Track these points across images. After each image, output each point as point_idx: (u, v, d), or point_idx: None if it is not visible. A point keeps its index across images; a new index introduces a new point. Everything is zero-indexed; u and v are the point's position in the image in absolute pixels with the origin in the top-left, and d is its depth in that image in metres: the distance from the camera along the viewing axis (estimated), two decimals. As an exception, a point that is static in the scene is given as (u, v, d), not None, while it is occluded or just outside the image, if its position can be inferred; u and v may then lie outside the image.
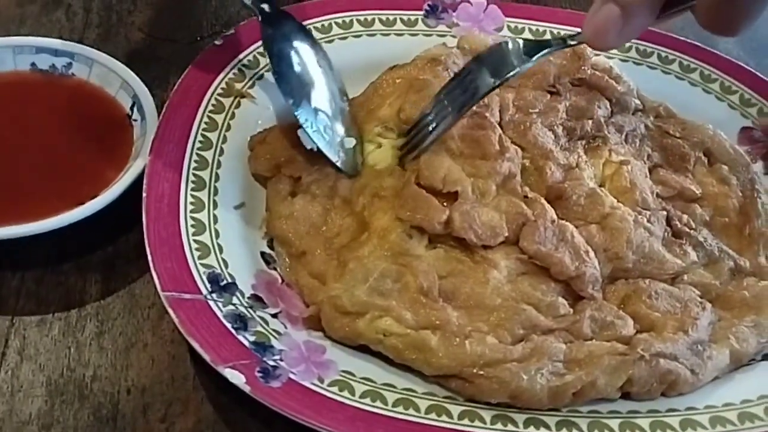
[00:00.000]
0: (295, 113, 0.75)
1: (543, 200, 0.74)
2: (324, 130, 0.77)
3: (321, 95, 0.80)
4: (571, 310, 0.70)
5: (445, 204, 0.71)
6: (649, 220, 0.76)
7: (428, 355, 0.66)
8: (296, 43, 0.83)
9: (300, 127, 0.75)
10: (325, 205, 0.75)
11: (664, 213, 0.77)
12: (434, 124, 0.74)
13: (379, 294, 0.68)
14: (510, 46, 0.73)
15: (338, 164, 0.76)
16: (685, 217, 0.78)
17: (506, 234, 0.71)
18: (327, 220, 0.74)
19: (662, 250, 0.75)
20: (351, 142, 0.78)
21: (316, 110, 0.78)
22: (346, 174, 0.76)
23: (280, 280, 0.72)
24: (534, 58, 0.72)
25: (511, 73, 0.72)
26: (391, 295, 0.68)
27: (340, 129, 0.79)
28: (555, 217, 0.73)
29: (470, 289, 0.69)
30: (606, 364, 0.66)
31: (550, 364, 0.66)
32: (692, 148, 0.84)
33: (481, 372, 0.65)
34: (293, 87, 0.78)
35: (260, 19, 0.81)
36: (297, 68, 0.80)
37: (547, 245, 0.71)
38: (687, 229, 0.77)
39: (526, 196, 0.74)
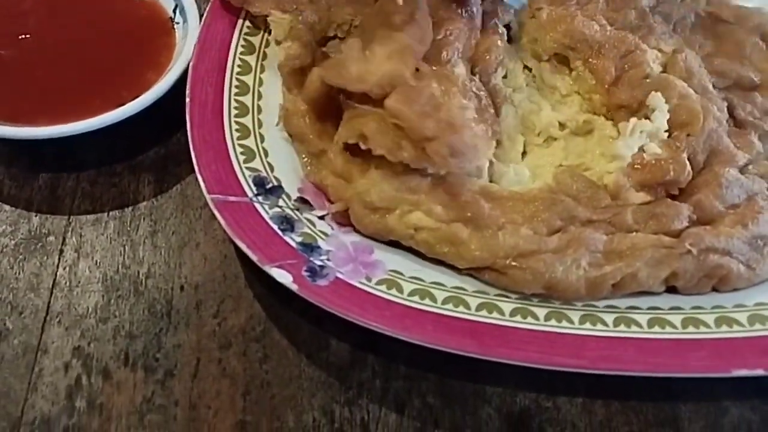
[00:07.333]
0: None
1: None
2: None
3: None
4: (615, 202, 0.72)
5: None
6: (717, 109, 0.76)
7: (460, 248, 0.69)
8: None
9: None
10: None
11: (725, 103, 0.78)
12: None
13: (408, 189, 0.70)
14: None
15: None
16: (748, 106, 0.78)
17: None
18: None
19: (729, 142, 0.75)
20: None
21: None
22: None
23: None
24: None
25: None
26: (421, 189, 0.70)
27: None
28: None
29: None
30: (649, 257, 0.68)
31: (588, 255, 0.68)
32: (748, 34, 0.83)
33: (515, 263, 0.68)
34: None
35: None
36: None
37: None
38: (751, 119, 0.78)
39: None
